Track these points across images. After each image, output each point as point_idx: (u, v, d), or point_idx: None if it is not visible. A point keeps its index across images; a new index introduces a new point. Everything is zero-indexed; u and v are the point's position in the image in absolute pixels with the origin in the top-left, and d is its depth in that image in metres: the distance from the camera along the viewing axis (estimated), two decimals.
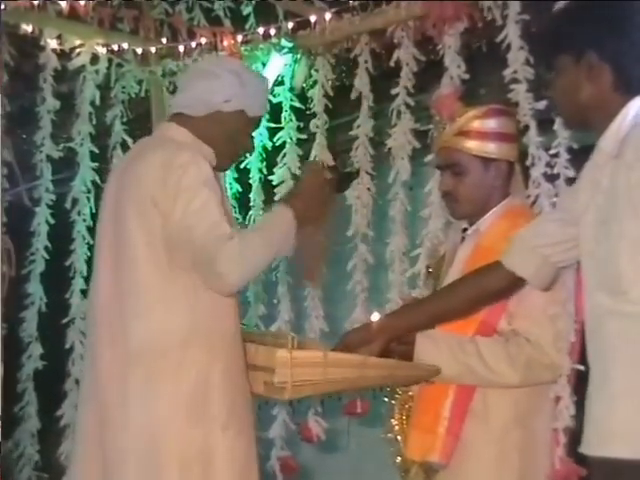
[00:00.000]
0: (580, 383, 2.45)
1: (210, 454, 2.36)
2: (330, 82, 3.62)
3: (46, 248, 3.80)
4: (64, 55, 3.66)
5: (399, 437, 2.82)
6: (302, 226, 2.47)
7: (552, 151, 2.76)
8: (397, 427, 2.84)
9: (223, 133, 2.53)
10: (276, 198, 3.73)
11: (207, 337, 2.40)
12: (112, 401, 2.39)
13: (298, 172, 3.71)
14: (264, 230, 2.48)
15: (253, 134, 2.65)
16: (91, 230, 3.74)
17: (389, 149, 3.36)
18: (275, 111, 3.73)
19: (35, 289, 3.81)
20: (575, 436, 2.35)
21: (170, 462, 2.34)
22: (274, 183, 3.74)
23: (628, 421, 2.00)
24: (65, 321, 3.74)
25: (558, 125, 2.75)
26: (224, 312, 2.45)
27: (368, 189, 3.47)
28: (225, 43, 3.58)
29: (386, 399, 2.92)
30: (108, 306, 2.44)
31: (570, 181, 2.73)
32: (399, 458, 2.81)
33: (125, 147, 3.81)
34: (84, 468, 2.46)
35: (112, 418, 2.39)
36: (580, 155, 2.75)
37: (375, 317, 2.66)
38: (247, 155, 3.41)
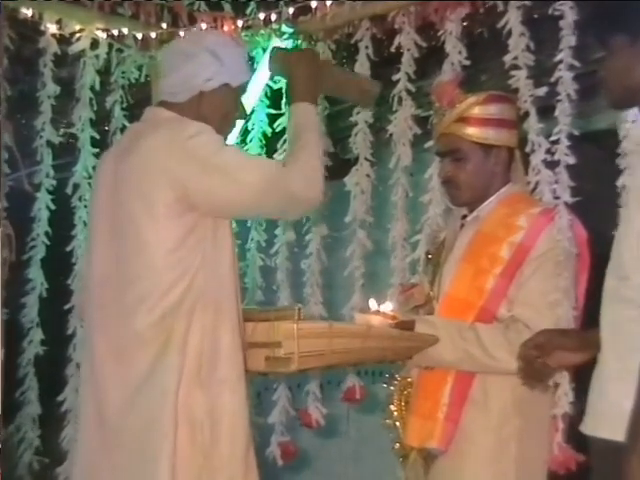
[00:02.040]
0: (579, 370, 2.46)
1: (218, 415, 2.36)
2: None
3: (47, 234, 3.80)
4: (64, 40, 3.64)
5: (398, 423, 2.83)
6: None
7: (552, 138, 2.74)
8: (396, 413, 2.84)
9: (214, 111, 2.50)
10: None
11: (214, 302, 2.39)
12: (112, 384, 2.39)
13: None
14: (306, 139, 2.51)
15: (241, 100, 2.63)
16: None
17: (390, 135, 3.36)
18: (275, 97, 3.72)
19: (36, 275, 3.81)
20: (574, 423, 2.37)
21: (180, 422, 2.32)
22: None
23: (617, 404, 2.02)
24: (67, 307, 3.74)
25: (559, 112, 2.75)
26: (229, 288, 2.43)
27: (367, 175, 3.47)
28: (226, 28, 3.57)
29: (385, 385, 2.93)
30: (107, 290, 2.43)
31: (570, 168, 2.72)
32: (398, 444, 2.82)
33: None
34: (88, 452, 2.47)
35: (114, 402, 2.38)
36: (581, 142, 2.75)
37: (372, 303, 2.66)
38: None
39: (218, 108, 2.52)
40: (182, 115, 2.48)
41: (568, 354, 2.35)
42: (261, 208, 2.46)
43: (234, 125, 2.72)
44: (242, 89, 2.60)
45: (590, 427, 2.17)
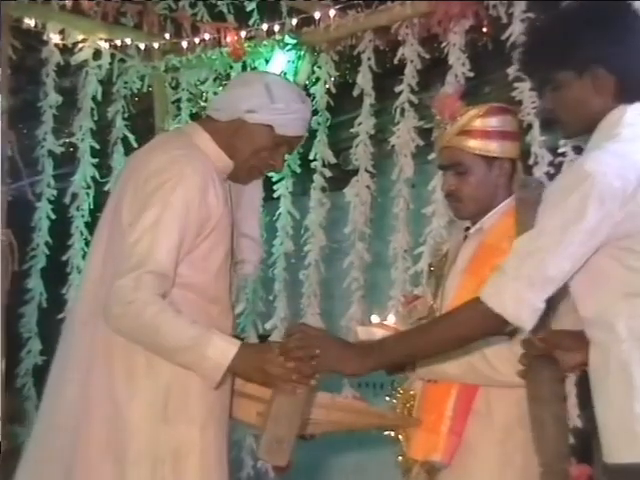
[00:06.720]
0: (585, 382, 2.45)
1: (184, 452, 2.35)
2: (333, 79, 3.62)
3: (47, 244, 3.80)
4: (67, 50, 3.66)
5: (401, 436, 2.81)
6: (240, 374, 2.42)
7: (560, 150, 2.75)
8: None
9: (246, 145, 2.48)
10: (275, 195, 3.72)
11: None
12: (91, 390, 2.37)
13: (298, 170, 3.71)
14: (178, 323, 2.32)
15: (285, 154, 2.55)
16: (89, 226, 3.74)
17: (392, 146, 3.36)
18: None
19: (35, 284, 3.81)
20: (582, 436, 2.35)
21: (142, 458, 2.32)
22: (273, 180, 3.74)
23: None
24: (61, 317, 3.73)
25: None
26: (205, 313, 2.43)
27: (367, 187, 3.47)
28: (229, 39, 3.58)
29: (388, 399, 2.91)
30: (92, 294, 2.42)
31: None
32: (401, 457, 2.80)
33: (126, 143, 3.81)
34: (41, 457, 2.45)
35: (87, 409, 2.36)
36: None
37: (375, 319, 2.65)
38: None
39: (251, 144, 2.47)
40: (214, 136, 2.48)
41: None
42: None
43: (263, 172, 2.62)
44: (288, 143, 2.53)
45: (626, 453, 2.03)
